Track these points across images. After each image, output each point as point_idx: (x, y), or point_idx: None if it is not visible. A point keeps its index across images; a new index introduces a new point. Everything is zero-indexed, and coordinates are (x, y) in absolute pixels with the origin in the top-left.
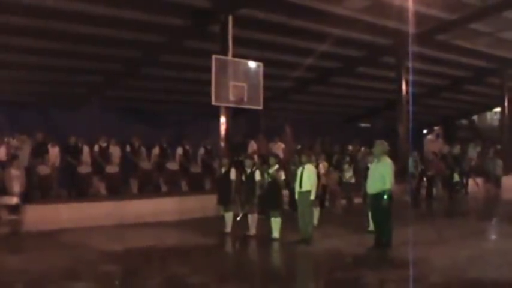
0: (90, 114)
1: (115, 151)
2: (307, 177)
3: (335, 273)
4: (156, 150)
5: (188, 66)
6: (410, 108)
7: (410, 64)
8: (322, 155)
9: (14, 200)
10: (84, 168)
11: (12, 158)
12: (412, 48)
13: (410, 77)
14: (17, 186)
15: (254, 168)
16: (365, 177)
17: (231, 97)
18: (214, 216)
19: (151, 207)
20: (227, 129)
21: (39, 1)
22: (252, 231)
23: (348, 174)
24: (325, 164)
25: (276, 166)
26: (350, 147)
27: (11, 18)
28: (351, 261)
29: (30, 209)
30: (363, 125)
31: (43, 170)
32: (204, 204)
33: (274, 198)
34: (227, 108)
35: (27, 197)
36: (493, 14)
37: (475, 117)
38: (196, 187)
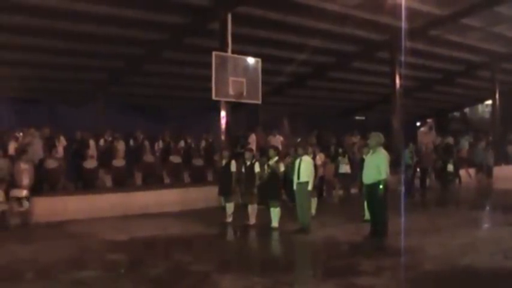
0: (95, 109)
1: (120, 145)
2: (305, 169)
3: (332, 261)
4: (159, 144)
5: (189, 63)
6: (402, 101)
7: (403, 59)
8: (318, 147)
9: (24, 193)
10: (90, 163)
11: (21, 152)
12: (406, 43)
13: (403, 71)
14: (26, 180)
15: (254, 160)
16: (361, 169)
17: (231, 92)
18: (216, 207)
19: (155, 198)
20: (227, 123)
21: (46, 2)
22: (252, 220)
23: (344, 165)
24: (322, 155)
25: (276, 158)
26: (353, 139)
27: (19, 19)
28: (347, 249)
29: (39, 201)
30: (358, 118)
31: (50, 163)
32: (205, 195)
33: (273, 189)
34: (227, 102)
35: (35, 190)
36: (484, 9)
37: (466, 110)
38: (198, 179)
